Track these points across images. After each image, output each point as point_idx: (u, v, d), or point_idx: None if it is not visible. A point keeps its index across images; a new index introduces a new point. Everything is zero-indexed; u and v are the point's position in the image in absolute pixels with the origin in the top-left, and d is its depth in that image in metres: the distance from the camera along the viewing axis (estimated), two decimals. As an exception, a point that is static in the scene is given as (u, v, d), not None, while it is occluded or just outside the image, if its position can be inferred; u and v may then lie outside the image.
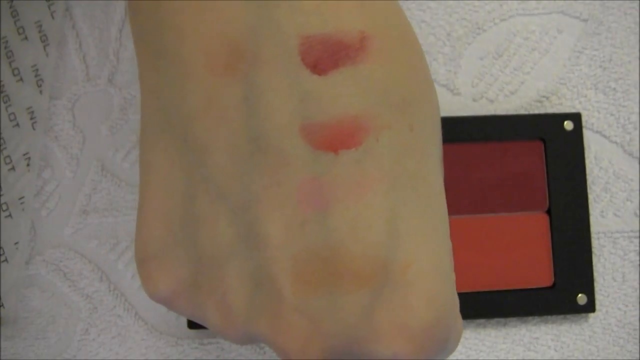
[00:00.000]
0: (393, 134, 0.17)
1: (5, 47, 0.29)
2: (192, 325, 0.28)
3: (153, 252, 0.19)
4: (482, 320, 0.29)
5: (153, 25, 0.18)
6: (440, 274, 0.18)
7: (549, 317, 0.29)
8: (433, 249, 0.18)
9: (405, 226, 0.18)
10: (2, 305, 0.28)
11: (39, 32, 0.29)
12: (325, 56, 0.17)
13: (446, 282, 0.18)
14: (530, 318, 0.29)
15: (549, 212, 0.29)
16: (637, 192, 0.30)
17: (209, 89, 0.17)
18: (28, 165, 0.29)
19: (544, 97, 0.30)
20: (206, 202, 0.18)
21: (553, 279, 0.29)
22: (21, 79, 0.29)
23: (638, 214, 0.30)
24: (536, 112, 0.30)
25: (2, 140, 0.29)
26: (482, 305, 0.28)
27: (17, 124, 0.29)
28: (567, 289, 0.28)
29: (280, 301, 0.18)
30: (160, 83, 0.18)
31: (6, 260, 0.28)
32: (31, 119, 0.29)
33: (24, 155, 0.29)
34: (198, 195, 0.18)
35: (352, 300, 0.17)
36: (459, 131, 0.29)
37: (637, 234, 0.29)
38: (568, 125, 0.29)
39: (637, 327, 0.29)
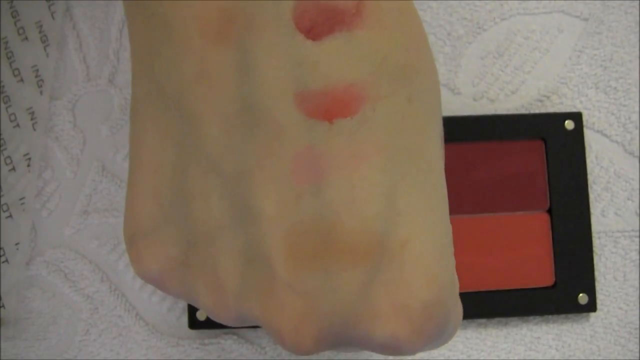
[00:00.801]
0: (390, 105, 0.17)
1: (6, 48, 0.29)
2: (193, 325, 0.28)
3: (143, 230, 0.19)
4: (483, 320, 0.29)
5: None
6: (439, 252, 0.17)
7: (550, 316, 0.29)
8: (432, 226, 0.17)
9: (403, 201, 0.17)
10: (3, 305, 0.28)
11: (39, 32, 0.29)
12: (320, 21, 0.16)
13: (446, 261, 0.18)
14: (531, 318, 0.29)
15: (549, 211, 0.29)
16: (638, 191, 0.30)
17: (201, 57, 0.17)
18: (28, 165, 0.29)
19: (544, 96, 0.30)
20: (198, 175, 0.18)
21: (554, 279, 0.29)
22: (21, 80, 0.29)
23: (639, 213, 0.30)
24: (537, 111, 0.30)
25: (2, 141, 0.29)
26: (483, 305, 0.28)
27: (18, 125, 0.29)
28: (568, 288, 0.28)
29: (273, 278, 0.17)
30: (152, 52, 0.18)
31: (7, 260, 0.28)
32: (31, 119, 0.29)
33: (25, 155, 0.29)
34: (189, 167, 0.18)
35: (347, 278, 0.17)
36: (459, 131, 0.29)
37: (638, 233, 0.29)
38: (569, 124, 0.29)
39: (638, 327, 0.29)
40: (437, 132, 0.18)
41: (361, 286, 0.17)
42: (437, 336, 0.18)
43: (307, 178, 0.17)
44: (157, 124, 0.18)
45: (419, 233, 0.17)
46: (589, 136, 0.30)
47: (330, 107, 0.16)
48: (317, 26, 0.16)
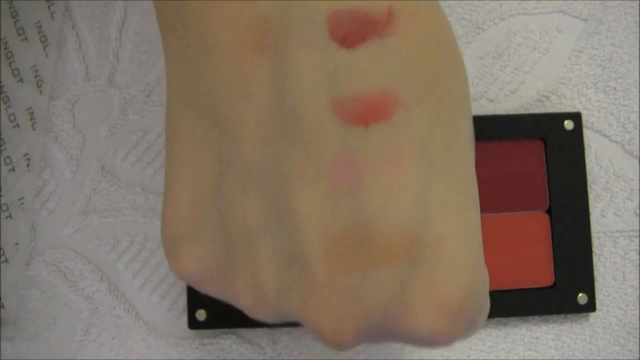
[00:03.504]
0: (423, 108, 0.17)
1: (5, 48, 0.29)
2: (192, 325, 0.28)
3: (181, 232, 0.19)
4: (482, 320, 0.29)
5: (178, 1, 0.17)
6: (472, 248, 0.18)
7: (550, 316, 0.29)
8: (464, 223, 0.18)
9: (436, 200, 0.17)
10: (2, 306, 0.28)
11: (39, 32, 0.29)
12: (353, 30, 0.17)
13: (478, 255, 0.18)
14: (530, 317, 0.29)
15: (549, 211, 0.29)
16: (638, 191, 0.30)
17: (237, 66, 0.17)
18: (28, 165, 0.29)
19: (544, 96, 0.30)
20: (235, 180, 0.18)
21: (553, 279, 0.29)
22: (21, 80, 0.29)
23: (638, 213, 0.30)
24: (536, 111, 0.30)
25: (2, 141, 0.29)
26: (482, 305, 0.28)
27: (17, 125, 0.29)
28: (567, 288, 0.28)
29: (312, 278, 0.18)
30: (186, 58, 0.18)
31: (6, 260, 0.28)
32: (31, 119, 0.29)
33: (24, 155, 0.29)
34: (227, 172, 0.18)
35: (385, 275, 0.17)
36: (459, 131, 0.29)
37: (638, 233, 0.29)
38: (568, 124, 0.29)
39: (638, 327, 0.29)
40: (467, 130, 0.19)
41: (398, 283, 0.17)
42: (469, 328, 0.18)
43: (345, 181, 0.17)
44: (192, 132, 0.18)
45: (452, 230, 0.17)
46: (589, 136, 0.30)
47: (365, 113, 0.17)
48: (350, 35, 0.17)
